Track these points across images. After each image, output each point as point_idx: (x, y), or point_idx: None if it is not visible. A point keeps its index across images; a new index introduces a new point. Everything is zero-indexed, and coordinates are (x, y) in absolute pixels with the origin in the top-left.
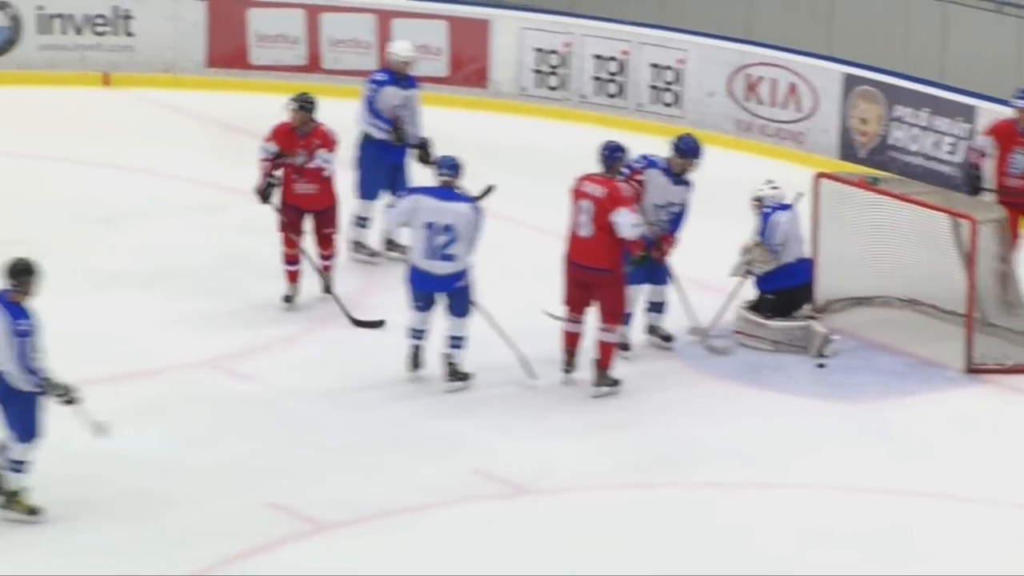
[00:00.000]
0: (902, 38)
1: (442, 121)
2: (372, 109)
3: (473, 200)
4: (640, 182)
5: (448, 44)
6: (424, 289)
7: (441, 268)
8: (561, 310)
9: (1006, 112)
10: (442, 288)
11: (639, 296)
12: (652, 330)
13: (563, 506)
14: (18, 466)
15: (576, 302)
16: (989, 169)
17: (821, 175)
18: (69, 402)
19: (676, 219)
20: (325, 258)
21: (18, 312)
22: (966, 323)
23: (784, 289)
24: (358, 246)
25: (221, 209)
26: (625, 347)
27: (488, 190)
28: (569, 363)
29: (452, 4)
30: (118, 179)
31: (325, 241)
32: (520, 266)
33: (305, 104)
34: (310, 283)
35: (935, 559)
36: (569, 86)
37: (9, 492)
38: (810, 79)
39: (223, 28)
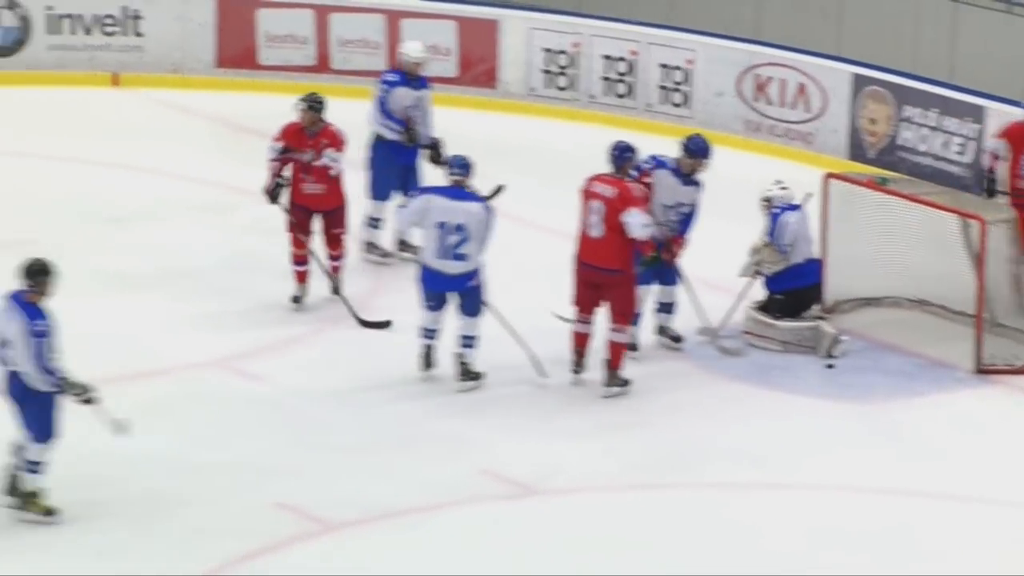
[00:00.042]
0: (911, 38)
1: (451, 121)
2: (384, 110)
3: (485, 200)
4: (648, 184)
5: (457, 44)
6: (436, 289)
7: (453, 268)
8: (570, 311)
9: (1016, 113)
10: (454, 288)
11: (648, 296)
12: (662, 331)
13: (571, 506)
14: (34, 467)
15: (586, 303)
16: (1003, 172)
17: (830, 175)
18: (87, 401)
19: (686, 220)
20: (334, 258)
21: (35, 313)
22: (975, 324)
23: (793, 289)
24: (371, 247)
25: (230, 209)
26: (633, 347)
27: (498, 190)
28: (578, 364)
29: (461, 4)
30: (127, 179)
31: (334, 241)
32: (528, 266)
33: (314, 104)
34: (318, 283)
35: (945, 560)
36: (578, 86)
37: (26, 493)
38: (819, 79)
39: (232, 28)
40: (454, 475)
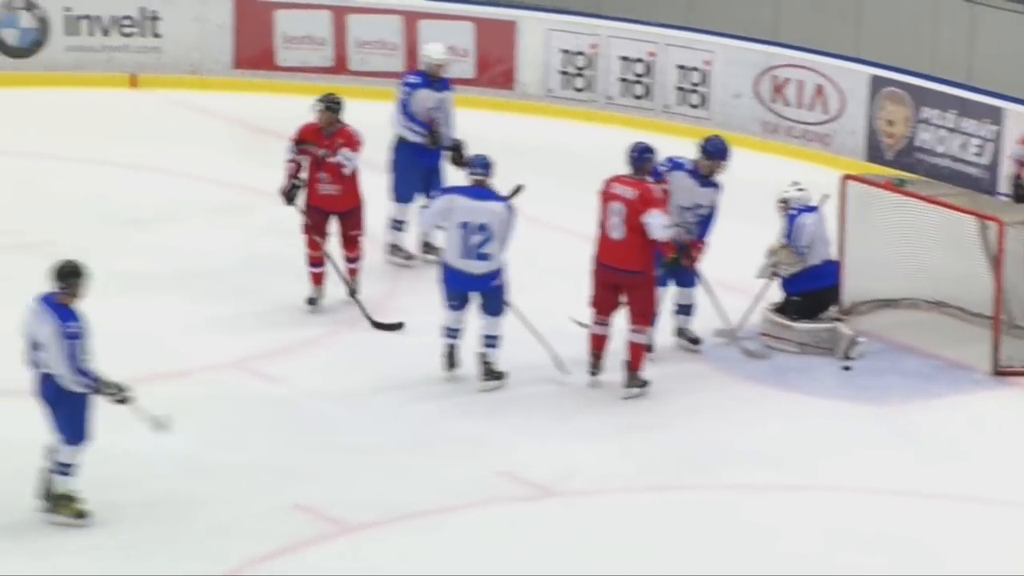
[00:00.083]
0: (929, 39)
1: (469, 123)
2: (406, 112)
3: (506, 199)
4: (664, 190)
5: (475, 46)
6: (459, 288)
7: (476, 267)
8: (587, 314)
9: None
10: (477, 287)
11: (665, 298)
12: (680, 333)
13: (588, 508)
14: (66, 469)
15: (604, 305)
16: None
17: (848, 177)
18: (122, 401)
19: (704, 221)
20: (351, 260)
21: (67, 314)
22: (993, 325)
23: (810, 291)
24: (395, 249)
25: (247, 211)
26: (649, 348)
27: (518, 189)
28: (596, 365)
29: (478, 5)
30: (144, 180)
31: (350, 243)
32: (546, 267)
33: (331, 105)
34: (335, 285)
35: (962, 562)
36: (595, 88)
37: (58, 496)
38: (837, 81)
39: (250, 29)
40: (471, 476)
